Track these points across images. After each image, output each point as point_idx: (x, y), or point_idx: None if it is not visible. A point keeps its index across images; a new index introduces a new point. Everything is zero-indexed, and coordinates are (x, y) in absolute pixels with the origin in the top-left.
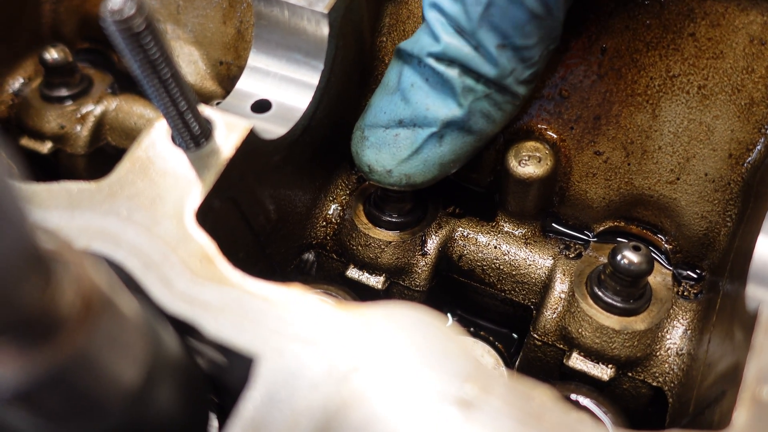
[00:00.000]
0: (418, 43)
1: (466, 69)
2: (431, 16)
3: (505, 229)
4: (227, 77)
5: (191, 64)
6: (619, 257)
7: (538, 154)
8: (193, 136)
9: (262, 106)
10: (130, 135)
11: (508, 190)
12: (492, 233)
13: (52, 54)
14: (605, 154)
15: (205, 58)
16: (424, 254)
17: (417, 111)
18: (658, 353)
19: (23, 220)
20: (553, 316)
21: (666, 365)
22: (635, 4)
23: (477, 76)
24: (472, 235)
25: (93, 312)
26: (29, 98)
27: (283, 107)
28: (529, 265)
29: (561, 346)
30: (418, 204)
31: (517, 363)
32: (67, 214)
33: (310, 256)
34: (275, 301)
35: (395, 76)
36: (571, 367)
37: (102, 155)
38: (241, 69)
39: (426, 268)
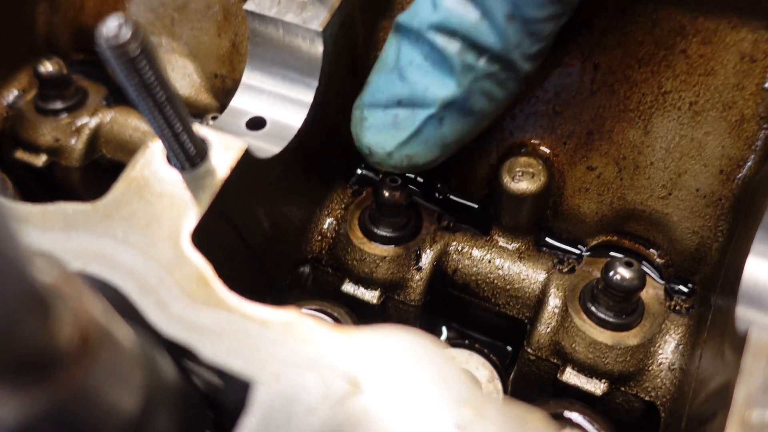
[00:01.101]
0: (418, 14)
1: (469, 42)
2: None
3: (499, 243)
4: (222, 90)
5: (186, 77)
6: (611, 273)
7: (531, 170)
8: (188, 156)
9: (257, 124)
10: (125, 148)
11: (502, 205)
12: (486, 247)
13: (47, 66)
14: (598, 169)
15: (200, 70)
16: (419, 269)
17: (415, 91)
18: (650, 368)
19: (21, 257)
20: (547, 331)
21: (658, 380)
22: (628, 21)
23: (480, 50)
24: (466, 249)
25: (91, 346)
26: (24, 111)
27: (278, 125)
28: (523, 279)
29: (555, 360)
30: (412, 218)
31: (511, 377)
32: (63, 236)
33: (305, 269)
34: (272, 325)
35: (393, 52)
36: (564, 381)
37: (97, 168)
38: (235, 82)
39: (421, 283)
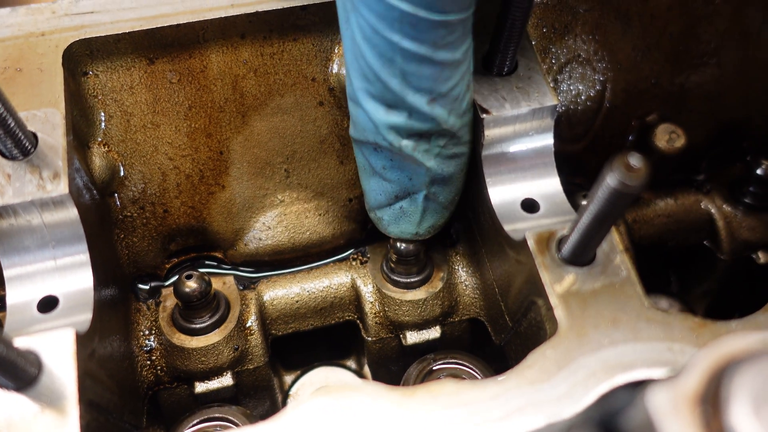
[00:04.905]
0: (365, 131)
1: (414, 135)
2: (362, 99)
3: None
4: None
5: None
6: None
7: None
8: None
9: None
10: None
11: None
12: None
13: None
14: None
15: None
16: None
17: (403, 184)
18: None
19: None
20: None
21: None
22: None
23: (426, 135)
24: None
25: None
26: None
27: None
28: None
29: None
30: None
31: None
32: None
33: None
34: None
35: (364, 160)
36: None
37: None
38: None
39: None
